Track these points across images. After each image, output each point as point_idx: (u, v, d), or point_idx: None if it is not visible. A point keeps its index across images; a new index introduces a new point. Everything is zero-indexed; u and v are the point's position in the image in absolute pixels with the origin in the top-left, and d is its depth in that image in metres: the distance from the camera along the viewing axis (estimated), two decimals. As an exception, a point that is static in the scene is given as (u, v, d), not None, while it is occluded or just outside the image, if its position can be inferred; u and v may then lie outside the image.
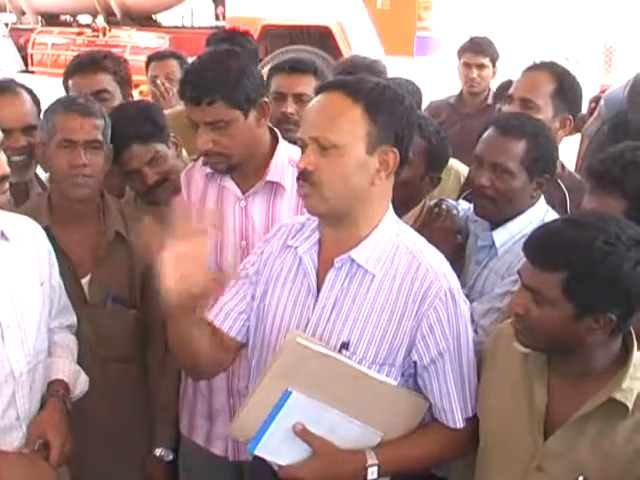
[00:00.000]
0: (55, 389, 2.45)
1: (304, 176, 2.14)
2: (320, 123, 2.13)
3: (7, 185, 2.29)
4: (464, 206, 2.98)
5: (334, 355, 2.12)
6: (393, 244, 2.21)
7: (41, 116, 3.08)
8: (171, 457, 3.01)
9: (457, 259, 2.77)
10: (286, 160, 2.76)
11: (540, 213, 2.69)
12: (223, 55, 2.74)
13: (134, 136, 3.04)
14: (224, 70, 2.62)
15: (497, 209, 2.68)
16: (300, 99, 3.47)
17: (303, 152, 2.15)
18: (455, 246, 2.82)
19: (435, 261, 2.21)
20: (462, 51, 5.48)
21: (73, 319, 2.71)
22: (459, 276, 2.74)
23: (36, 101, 3.19)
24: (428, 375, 2.21)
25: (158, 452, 2.98)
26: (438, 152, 2.96)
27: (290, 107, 3.44)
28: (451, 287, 2.18)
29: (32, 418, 2.36)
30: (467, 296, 2.69)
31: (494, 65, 5.39)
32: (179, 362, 2.45)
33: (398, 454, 2.23)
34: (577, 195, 2.97)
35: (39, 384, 2.41)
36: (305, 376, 2.11)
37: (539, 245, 2.05)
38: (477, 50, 5.38)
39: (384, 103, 2.13)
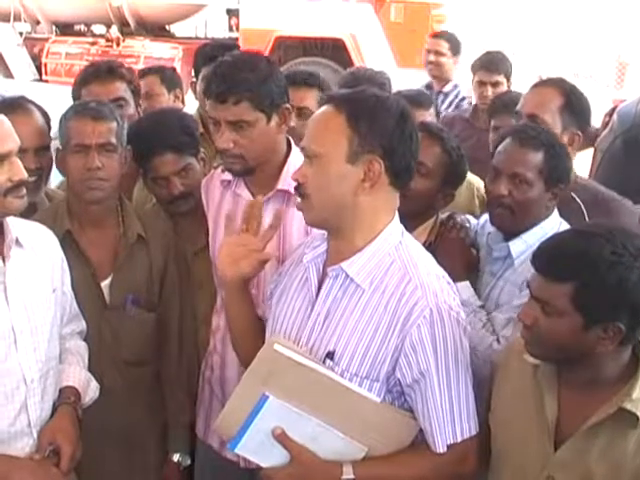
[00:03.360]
0: (66, 396, 2.46)
1: (297, 188, 2.20)
2: (308, 134, 2.19)
3: (24, 191, 2.30)
4: (472, 221, 3.00)
5: (311, 365, 2.12)
6: (389, 258, 2.19)
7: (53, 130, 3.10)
8: (189, 462, 3.02)
9: (471, 270, 2.80)
10: None
11: (555, 224, 2.70)
12: (253, 57, 2.76)
13: (170, 145, 3.04)
14: (253, 71, 2.62)
15: (514, 219, 2.69)
16: (303, 112, 3.47)
17: None
18: (470, 257, 2.84)
19: (428, 278, 2.16)
20: (476, 68, 5.46)
21: (83, 325, 2.72)
22: (474, 288, 2.75)
23: (47, 119, 3.16)
24: (413, 395, 2.17)
25: (176, 457, 2.99)
26: (456, 168, 2.96)
27: (292, 121, 3.44)
28: (439, 306, 2.12)
29: (43, 424, 2.37)
30: (482, 307, 2.70)
31: (508, 80, 5.38)
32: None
33: (377, 471, 2.19)
34: (594, 208, 2.97)
35: (51, 391, 2.42)
36: (282, 383, 2.13)
37: (547, 256, 2.06)
38: (491, 68, 5.35)
39: (367, 112, 2.13)
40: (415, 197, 2.50)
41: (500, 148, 2.75)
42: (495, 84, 5.31)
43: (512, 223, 2.71)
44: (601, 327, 1.98)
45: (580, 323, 1.99)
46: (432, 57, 6.12)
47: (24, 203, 2.31)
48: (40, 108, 3.14)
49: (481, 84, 5.35)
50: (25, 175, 2.28)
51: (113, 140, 2.81)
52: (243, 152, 2.63)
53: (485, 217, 2.89)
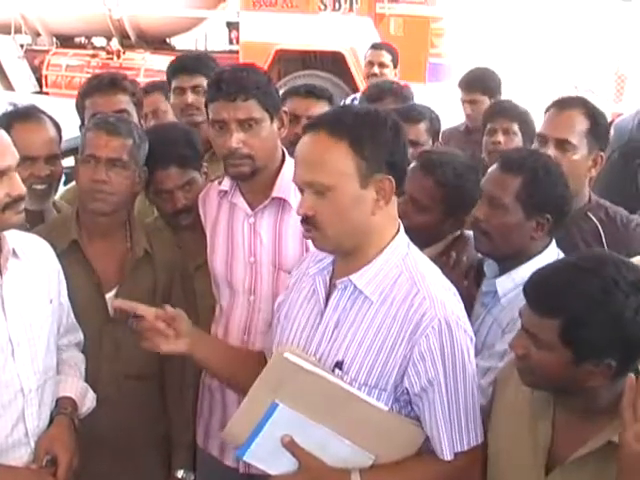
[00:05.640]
0: (63, 406, 2.47)
1: (306, 220, 2.19)
2: (311, 167, 2.16)
3: (22, 206, 2.30)
4: None
5: (321, 373, 2.14)
6: (397, 269, 2.21)
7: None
8: (192, 478, 3.02)
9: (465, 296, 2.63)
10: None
11: (550, 260, 2.49)
12: (251, 66, 2.88)
13: (174, 159, 3.06)
14: (257, 75, 2.75)
15: (492, 244, 2.64)
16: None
17: (302, 196, 2.19)
18: (462, 281, 2.75)
19: (435, 288, 2.19)
20: (460, 86, 5.48)
21: (81, 337, 2.73)
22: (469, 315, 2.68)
23: (59, 129, 3.20)
24: (421, 403, 2.19)
25: (180, 474, 2.99)
26: (458, 196, 2.88)
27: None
28: (447, 316, 2.14)
29: (41, 434, 2.38)
30: None
31: (491, 96, 5.29)
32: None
33: (384, 479, 2.22)
34: (611, 227, 2.98)
35: (48, 401, 2.43)
36: (292, 391, 2.14)
37: (535, 289, 2.02)
38: (470, 88, 5.34)
39: (368, 134, 2.14)
40: (418, 231, 2.45)
41: (488, 171, 2.73)
42: (473, 102, 5.30)
43: (490, 249, 2.66)
44: (592, 363, 1.95)
45: (570, 358, 1.96)
46: (376, 69, 5.99)
47: (22, 218, 2.32)
48: (51, 118, 3.18)
49: (463, 102, 5.37)
50: (24, 190, 2.28)
51: (125, 157, 2.83)
52: (252, 152, 2.69)
53: None
